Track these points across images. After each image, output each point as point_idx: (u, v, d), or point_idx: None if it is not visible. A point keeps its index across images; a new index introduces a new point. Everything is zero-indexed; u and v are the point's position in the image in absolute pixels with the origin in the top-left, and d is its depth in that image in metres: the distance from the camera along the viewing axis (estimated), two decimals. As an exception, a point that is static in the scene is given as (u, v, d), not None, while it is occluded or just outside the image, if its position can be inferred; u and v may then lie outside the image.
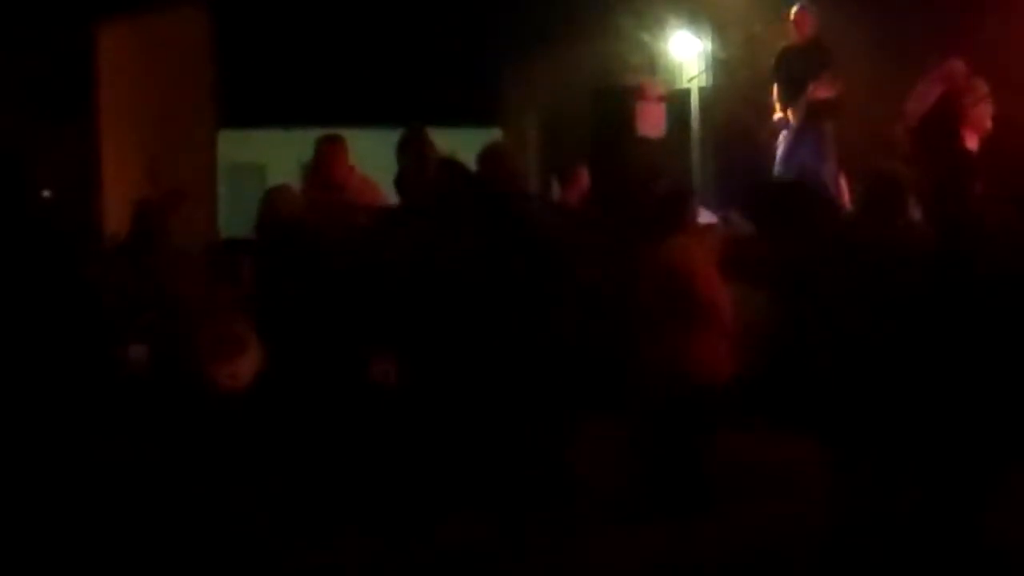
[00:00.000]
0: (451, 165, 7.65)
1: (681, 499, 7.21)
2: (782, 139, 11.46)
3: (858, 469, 6.63)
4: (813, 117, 11.24)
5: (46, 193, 12.12)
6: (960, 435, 6.13)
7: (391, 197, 8.42)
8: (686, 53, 13.50)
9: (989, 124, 10.25)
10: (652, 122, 12.68)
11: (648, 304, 7.59)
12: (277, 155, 14.52)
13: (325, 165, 8.88)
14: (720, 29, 13.23)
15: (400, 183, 8.49)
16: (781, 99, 11.46)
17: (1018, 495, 6.26)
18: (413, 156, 8.25)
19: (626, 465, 7.65)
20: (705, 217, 11.81)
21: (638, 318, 7.62)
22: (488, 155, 7.62)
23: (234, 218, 12.00)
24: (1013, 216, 6.75)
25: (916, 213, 7.62)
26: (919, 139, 10.18)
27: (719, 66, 13.18)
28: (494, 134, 8.65)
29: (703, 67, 13.35)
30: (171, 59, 12.68)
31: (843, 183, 10.87)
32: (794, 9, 11.27)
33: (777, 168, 11.50)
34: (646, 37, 13.47)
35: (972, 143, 10.27)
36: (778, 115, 11.54)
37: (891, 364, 6.32)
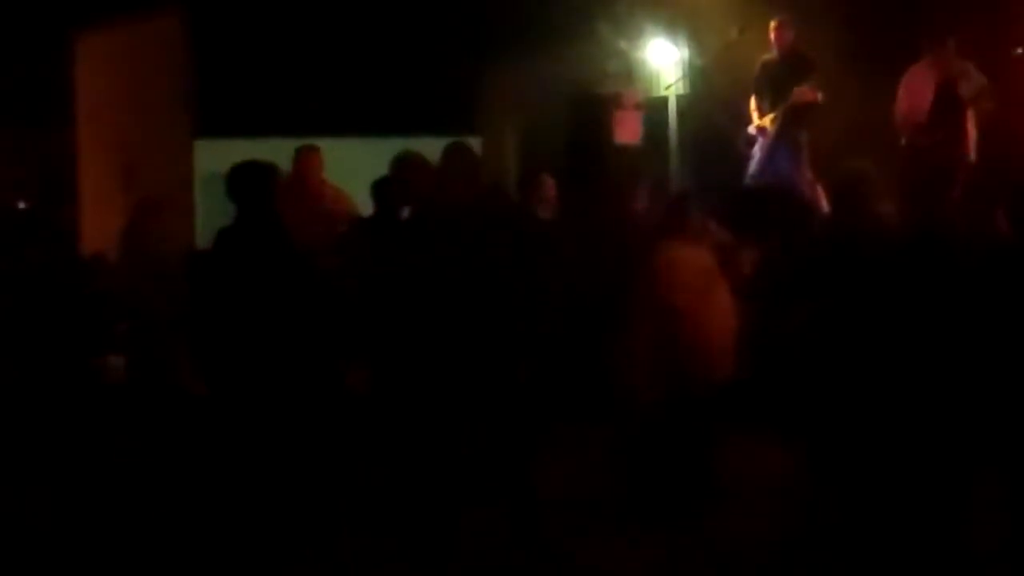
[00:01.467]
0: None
1: (678, 504, 7.25)
2: (758, 148, 11.58)
3: (843, 472, 6.69)
4: (790, 125, 11.36)
5: (21, 204, 12.10)
6: (938, 437, 6.16)
7: (364, 206, 8.41)
8: (663, 61, 13.48)
9: (991, 105, 10.41)
10: (629, 130, 12.69)
11: (635, 309, 7.63)
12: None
13: (304, 175, 8.87)
14: (697, 37, 13.24)
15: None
16: (760, 109, 11.60)
17: (995, 497, 6.32)
18: None
19: (609, 472, 7.68)
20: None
21: (624, 322, 7.65)
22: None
23: (211, 228, 11.93)
24: (988, 224, 6.78)
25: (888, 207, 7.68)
26: (927, 134, 10.35)
27: (696, 74, 13.19)
28: (471, 142, 8.65)
29: (680, 75, 13.36)
30: (147, 69, 12.64)
31: (820, 189, 10.92)
32: (773, 23, 11.43)
33: (752, 176, 11.59)
34: (623, 45, 13.45)
35: (972, 128, 10.45)
36: (755, 125, 11.64)
37: (868, 366, 6.36)
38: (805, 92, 11.31)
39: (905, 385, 6.22)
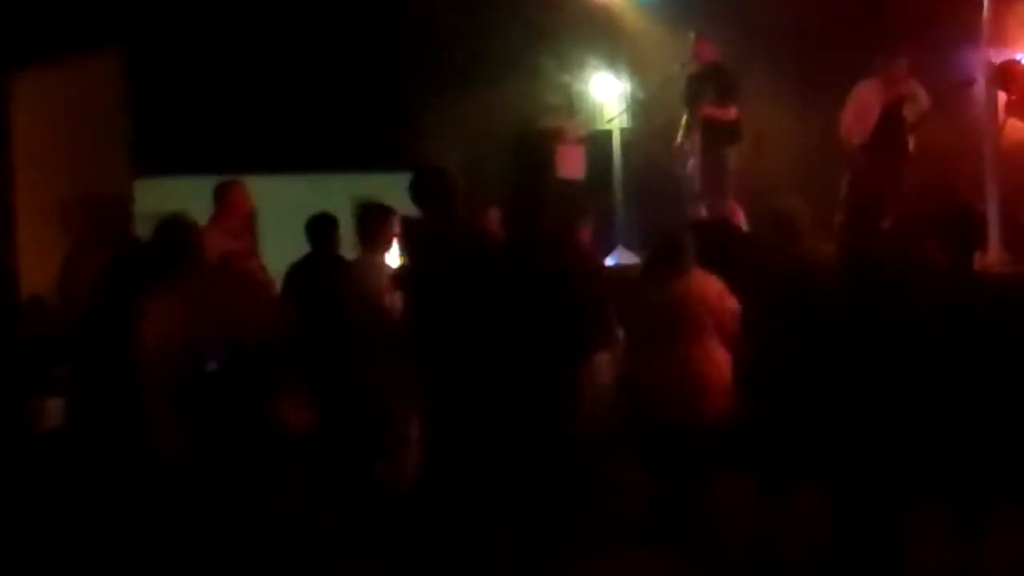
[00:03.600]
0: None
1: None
2: (690, 167, 11.62)
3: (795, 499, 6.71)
4: (711, 143, 11.40)
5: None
6: (876, 459, 6.18)
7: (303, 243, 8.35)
8: (606, 94, 13.52)
9: (928, 129, 10.40)
10: (572, 164, 12.68)
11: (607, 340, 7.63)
12: (196, 203, 14.27)
13: (235, 209, 8.82)
14: (639, 70, 13.27)
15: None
16: (686, 124, 11.67)
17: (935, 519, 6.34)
18: None
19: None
20: (627, 258, 11.83)
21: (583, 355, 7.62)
22: None
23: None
24: (921, 252, 6.80)
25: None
26: (869, 154, 10.33)
27: (638, 107, 13.21)
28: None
29: (623, 108, 13.38)
30: (86, 109, 12.53)
31: (740, 214, 10.73)
32: (692, 35, 11.50)
33: (689, 197, 11.60)
34: (566, 79, 13.48)
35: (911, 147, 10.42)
36: (678, 141, 11.71)
37: (813, 391, 6.38)
38: (705, 108, 11.37)
39: (850, 411, 6.24)
